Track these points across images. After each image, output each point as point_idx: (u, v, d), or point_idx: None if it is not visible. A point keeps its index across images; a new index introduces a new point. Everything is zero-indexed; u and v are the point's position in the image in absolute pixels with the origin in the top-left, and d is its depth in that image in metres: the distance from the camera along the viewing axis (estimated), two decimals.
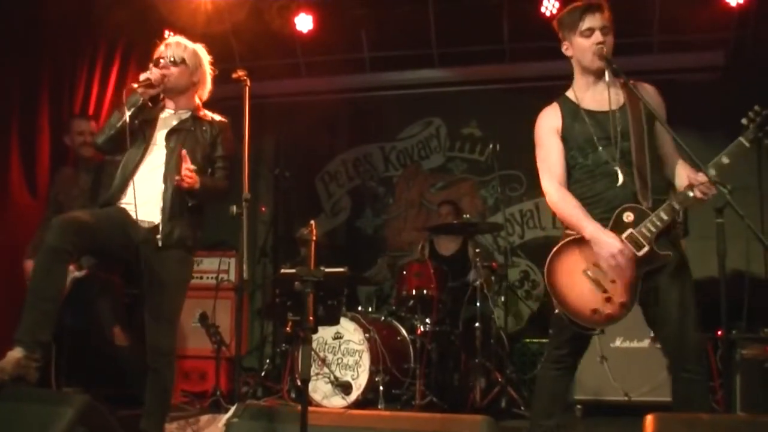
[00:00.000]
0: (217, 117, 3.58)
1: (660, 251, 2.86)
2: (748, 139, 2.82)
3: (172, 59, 3.39)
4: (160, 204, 3.31)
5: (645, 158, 2.94)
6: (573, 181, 3.04)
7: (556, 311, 2.92)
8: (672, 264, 2.89)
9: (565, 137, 3.04)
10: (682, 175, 2.97)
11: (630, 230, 2.87)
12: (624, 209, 2.90)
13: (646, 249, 2.85)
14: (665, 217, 2.85)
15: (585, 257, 2.92)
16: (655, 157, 3.00)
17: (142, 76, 3.30)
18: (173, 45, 3.46)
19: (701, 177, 2.79)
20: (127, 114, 3.24)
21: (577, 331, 2.92)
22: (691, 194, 2.85)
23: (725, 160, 2.81)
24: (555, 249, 2.98)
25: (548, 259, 2.97)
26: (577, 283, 2.90)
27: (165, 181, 3.33)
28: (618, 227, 2.90)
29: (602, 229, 2.87)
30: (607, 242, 2.84)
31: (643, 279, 2.88)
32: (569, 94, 3.12)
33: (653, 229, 2.85)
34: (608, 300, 2.86)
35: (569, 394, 4.76)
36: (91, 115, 5.25)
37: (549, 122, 3.08)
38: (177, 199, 3.33)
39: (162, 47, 3.46)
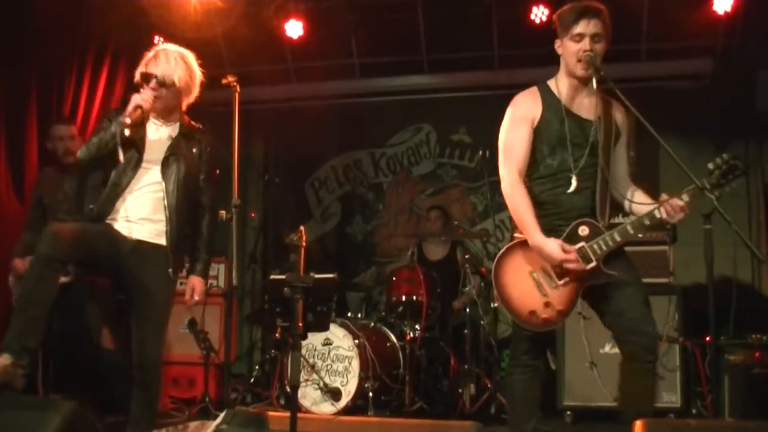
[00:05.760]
0: (201, 127, 3.50)
1: (606, 270, 2.89)
2: (710, 183, 2.83)
3: (162, 81, 3.24)
4: (162, 228, 3.29)
5: (607, 175, 2.96)
6: (534, 178, 3.00)
7: (494, 305, 2.96)
8: (623, 270, 2.91)
9: (540, 129, 2.97)
10: (639, 200, 2.98)
11: (582, 244, 2.89)
12: (580, 223, 2.92)
13: (593, 264, 2.88)
14: (618, 239, 2.88)
15: (533, 260, 2.94)
16: (612, 176, 3.02)
17: (133, 103, 3.15)
18: (163, 62, 3.29)
19: (673, 200, 2.82)
20: (118, 136, 3.13)
21: (529, 332, 2.95)
22: (647, 222, 2.88)
23: (685, 197, 2.84)
24: (506, 247, 3.02)
25: (498, 256, 3.01)
26: (521, 283, 2.94)
27: (169, 221, 3.29)
28: (571, 239, 2.91)
29: (545, 239, 2.87)
30: (551, 253, 2.85)
31: (585, 291, 2.91)
32: (552, 85, 3.04)
33: (604, 248, 2.88)
34: (547, 305, 2.90)
35: (558, 399, 4.80)
36: (79, 120, 5.23)
37: (526, 109, 3.01)
38: (179, 234, 3.34)
39: (152, 60, 3.31)
